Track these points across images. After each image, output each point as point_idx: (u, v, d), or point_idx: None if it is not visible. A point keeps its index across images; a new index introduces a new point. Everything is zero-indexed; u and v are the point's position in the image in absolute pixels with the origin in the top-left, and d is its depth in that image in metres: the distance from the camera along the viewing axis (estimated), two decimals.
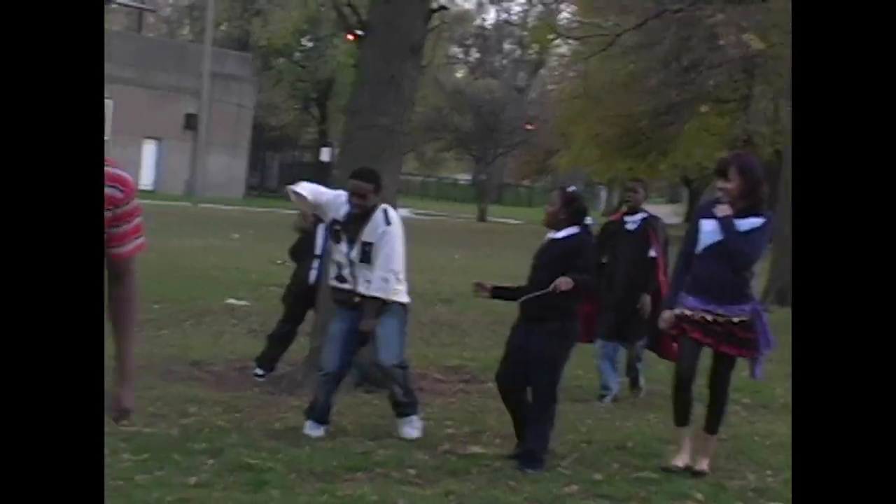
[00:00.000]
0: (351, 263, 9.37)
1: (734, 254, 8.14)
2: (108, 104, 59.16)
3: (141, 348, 12.74)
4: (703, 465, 8.44)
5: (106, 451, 8.31)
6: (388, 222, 9.30)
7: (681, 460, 8.47)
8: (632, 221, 11.85)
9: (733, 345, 8.24)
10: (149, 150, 61.98)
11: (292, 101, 71.57)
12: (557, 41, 56.07)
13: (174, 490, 7.62)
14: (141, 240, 4.96)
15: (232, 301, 18.20)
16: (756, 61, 37.22)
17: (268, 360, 11.87)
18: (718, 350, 8.30)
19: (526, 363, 8.61)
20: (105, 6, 69.35)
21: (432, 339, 15.36)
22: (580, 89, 44.05)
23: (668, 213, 75.79)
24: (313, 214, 9.99)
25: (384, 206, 9.44)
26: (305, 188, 9.61)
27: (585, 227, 8.73)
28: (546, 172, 66.62)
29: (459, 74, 75.88)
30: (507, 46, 79.01)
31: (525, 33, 74.83)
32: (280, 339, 12.04)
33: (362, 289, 9.31)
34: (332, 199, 9.56)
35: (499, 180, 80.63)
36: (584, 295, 8.82)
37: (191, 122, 59.98)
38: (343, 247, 9.40)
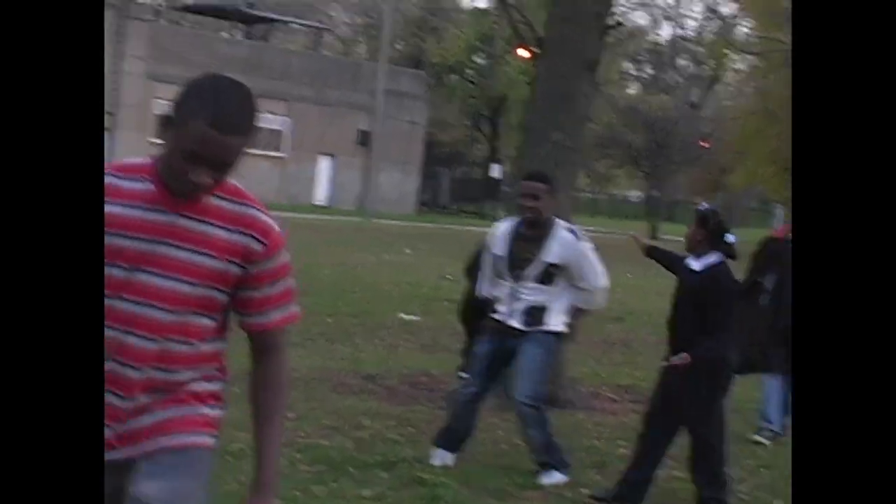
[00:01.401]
0: (514, 291, 8.64)
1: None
2: (287, 122, 60.19)
3: (314, 361, 12.99)
4: None
5: (284, 462, 8.45)
6: (577, 237, 8.71)
7: None
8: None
9: None
10: (323, 166, 62.69)
11: (463, 118, 71.82)
12: (734, 56, 55.38)
13: (349, 502, 7.70)
14: (292, 309, 3.94)
15: (404, 316, 18.29)
16: None
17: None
18: None
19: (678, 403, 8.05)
20: (284, 26, 70.50)
21: (604, 357, 15.28)
22: (758, 105, 43.58)
23: None
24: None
25: (563, 223, 8.81)
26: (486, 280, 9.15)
27: (725, 252, 8.07)
28: (720, 190, 65.92)
29: (632, 91, 75.40)
30: (681, 62, 78.33)
31: (700, 49, 74.31)
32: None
33: (515, 321, 8.60)
34: (495, 237, 8.96)
35: (671, 197, 79.88)
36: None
37: (364, 139, 60.57)
38: (507, 278, 8.71)
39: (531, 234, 8.61)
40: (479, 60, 69.68)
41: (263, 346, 3.87)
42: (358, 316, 17.92)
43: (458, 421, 8.87)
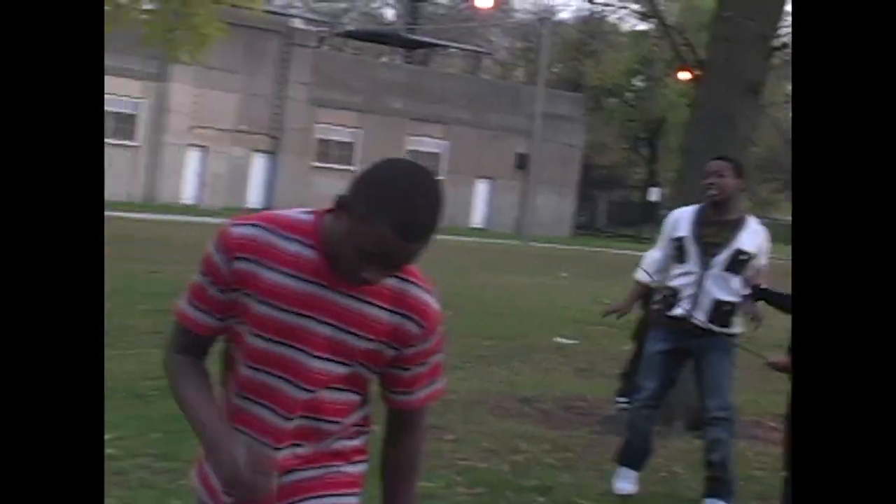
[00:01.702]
0: (701, 280, 8.09)
1: None
2: (445, 145, 60.45)
3: (472, 383, 13.00)
4: None
5: (441, 483, 8.50)
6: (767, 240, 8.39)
7: None
8: None
9: None
10: (481, 189, 62.91)
11: (621, 141, 71.66)
12: None
13: None
14: (438, 385, 3.69)
15: (559, 339, 18.24)
16: None
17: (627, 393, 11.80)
18: None
19: None
20: (444, 50, 70.88)
21: (765, 385, 15.08)
22: None
23: None
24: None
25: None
26: (647, 273, 9.03)
27: None
28: None
29: None
30: None
31: None
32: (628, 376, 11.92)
33: (700, 315, 8.08)
34: (667, 222, 8.56)
35: None
36: None
37: (521, 162, 60.64)
38: (692, 264, 8.14)
39: (719, 219, 8.17)
40: (637, 83, 69.48)
41: (403, 423, 3.65)
42: (514, 339, 17.91)
43: (635, 434, 8.56)
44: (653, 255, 8.89)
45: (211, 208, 50.95)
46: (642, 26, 63.28)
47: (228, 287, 3.36)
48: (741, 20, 11.53)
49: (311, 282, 3.34)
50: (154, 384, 11.23)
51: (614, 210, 71.08)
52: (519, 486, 8.68)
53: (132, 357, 12.77)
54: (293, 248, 3.34)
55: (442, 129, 60.50)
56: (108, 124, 50.46)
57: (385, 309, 3.40)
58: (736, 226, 8.12)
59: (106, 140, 40.55)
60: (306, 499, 3.53)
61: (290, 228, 3.37)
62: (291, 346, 3.38)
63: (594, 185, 70.59)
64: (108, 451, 8.49)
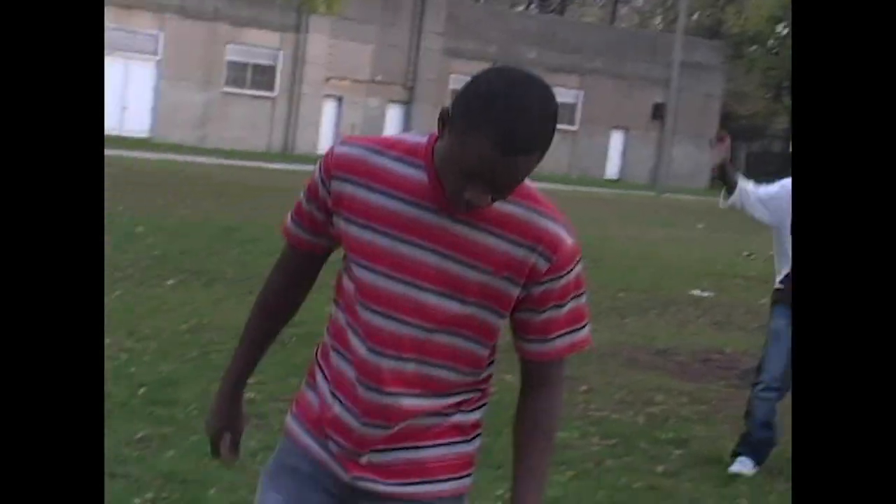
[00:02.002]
0: None
1: None
2: (580, 95, 60.20)
3: (606, 335, 12.99)
4: None
5: (575, 434, 8.51)
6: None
7: None
8: None
9: None
10: (616, 139, 62.64)
11: (763, 90, 70.73)
12: None
13: (642, 476, 7.69)
14: (581, 335, 3.17)
15: (696, 292, 18.15)
16: None
17: None
18: None
19: None
20: (580, 0, 70.55)
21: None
22: None
23: None
24: None
25: None
26: (748, 193, 8.25)
27: None
28: None
29: None
30: None
31: None
32: None
33: None
34: (777, 193, 8.17)
35: None
36: None
37: (658, 112, 60.22)
38: None
39: None
40: (781, 30, 68.43)
41: (538, 376, 3.17)
42: (649, 291, 17.87)
43: (761, 416, 8.09)
44: (753, 190, 8.32)
45: None
46: None
47: (325, 207, 3.09)
48: None
49: (419, 205, 2.97)
50: (294, 331, 11.37)
51: (755, 160, 70.12)
52: (654, 438, 8.69)
53: None
54: (401, 168, 3.01)
55: (577, 79, 60.26)
56: (247, 76, 50.96)
57: (507, 239, 2.97)
58: None
59: (245, 91, 41.00)
60: (425, 482, 3.16)
61: (400, 149, 3.05)
62: (397, 278, 3.01)
63: (734, 135, 69.24)
64: (249, 394, 8.61)
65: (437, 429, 3.12)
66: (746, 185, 8.19)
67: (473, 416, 3.20)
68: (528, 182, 2.94)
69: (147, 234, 18.20)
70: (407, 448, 3.11)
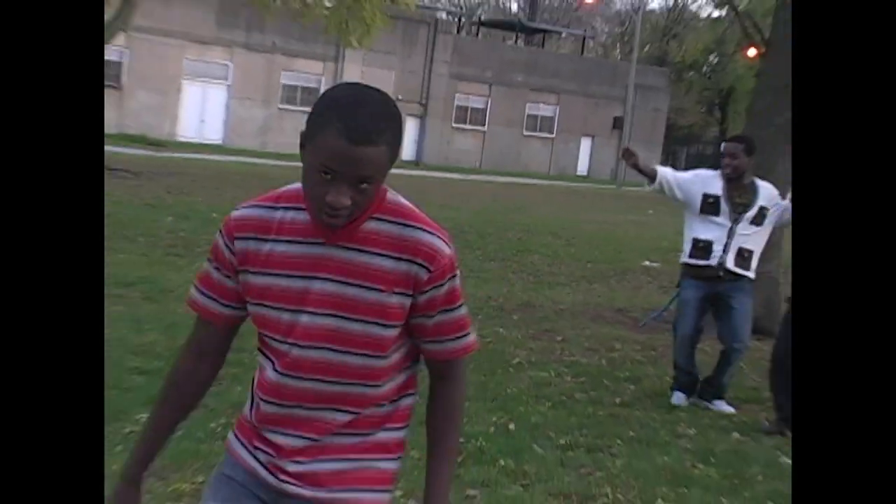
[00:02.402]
0: (731, 233, 7.62)
1: None
2: (556, 109, 60.05)
3: (577, 296, 12.99)
4: None
5: (553, 374, 8.51)
6: (782, 197, 7.92)
7: None
8: None
9: None
10: (585, 144, 62.45)
11: (698, 107, 70.64)
12: None
13: (604, 406, 7.71)
14: (467, 339, 2.88)
15: (647, 263, 18.14)
16: None
17: None
18: None
19: None
20: (556, 35, 70.41)
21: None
22: None
23: None
24: None
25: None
26: (667, 175, 7.99)
27: None
28: None
29: None
30: None
31: None
32: None
33: (729, 261, 7.66)
34: (694, 178, 7.97)
35: None
36: None
37: (617, 123, 60.00)
38: (722, 218, 7.65)
39: (737, 185, 7.73)
40: (712, 59, 68.35)
41: (439, 372, 2.88)
42: (610, 262, 17.90)
43: (683, 364, 8.04)
44: (670, 173, 8.09)
45: None
46: (717, 13, 62.34)
47: (232, 268, 2.75)
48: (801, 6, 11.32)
49: (307, 242, 2.67)
50: None
51: (692, 161, 70.10)
52: (614, 377, 8.73)
53: None
54: (290, 215, 2.70)
55: (555, 98, 60.14)
56: (296, 96, 50.96)
57: (389, 257, 2.65)
58: (754, 187, 7.75)
59: (296, 108, 40.59)
60: (348, 490, 2.78)
61: (286, 199, 2.75)
62: (289, 309, 2.69)
63: (676, 141, 69.79)
64: None
65: (362, 445, 2.78)
66: (666, 172, 8.03)
67: (397, 435, 2.84)
68: (403, 202, 2.68)
69: (219, 218, 18.14)
70: (330, 460, 2.77)
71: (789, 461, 6.66)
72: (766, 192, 7.77)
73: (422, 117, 55.56)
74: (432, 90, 55.54)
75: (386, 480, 2.81)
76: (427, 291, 2.63)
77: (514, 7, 77.27)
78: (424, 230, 2.62)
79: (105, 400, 6.71)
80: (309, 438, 2.76)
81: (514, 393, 7.76)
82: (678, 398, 8.01)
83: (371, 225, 2.61)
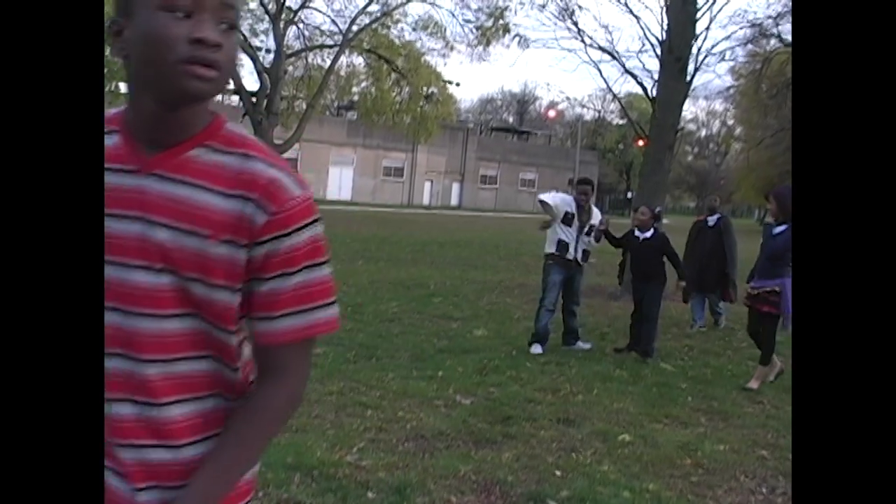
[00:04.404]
0: (578, 239, 6.88)
1: (768, 248, 5.91)
2: (536, 177, 59.15)
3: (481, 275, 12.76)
4: (754, 384, 6.03)
5: (468, 313, 8.28)
6: (601, 212, 7.19)
7: (756, 383, 6.12)
8: (712, 220, 8.71)
9: (767, 304, 5.89)
10: (551, 196, 61.86)
11: (615, 172, 70.05)
12: (734, 143, 52.08)
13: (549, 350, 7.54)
14: (315, 316, 1.09)
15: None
16: None
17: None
18: (761, 309, 5.95)
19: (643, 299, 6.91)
20: (535, 134, 70.13)
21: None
22: (745, 164, 41.58)
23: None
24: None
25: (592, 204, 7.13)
26: (549, 197, 7.16)
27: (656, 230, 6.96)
28: (730, 202, 62.42)
29: (689, 158, 71.82)
30: (711, 145, 74.27)
31: (719, 139, 70.50)
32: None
33: (578, 256, 6.90)
34: (560, 201, 7.05)
35: (711, 205, 76.18)
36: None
37: (570, 182, 58.99)
38: (573, 230, 6.88)
39: (585, 210, 6.97)
40: (620, 146, 67.77)
41: (265, 364, 1.14)
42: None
43: (542, 327, 6.94)
44: (553, 197, 7.21)
45: (435, 206, 51.26)
46: (621, 121, 61.91)
47: None
48: (662, 119, 11.29)
49: (116, 171, 1.12)
50: (414, 282, 11.33)
51: (612, 202, 69.45)
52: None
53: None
54: (107, 142, 1.15)
55: (535, 169, 59.71)
56: (391, 171, 51.06)
57: (217, 192, 1.09)
58: (590, 212, 6.98)
59: (391, 178, 40.37)
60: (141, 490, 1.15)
61: (106, 124, 1.16)
62: (110, 261, 1.11)
63: (602, 191, 69.06)
64: (394, 309, 8.62)
65: (140, 430, 1.16)
66: (547, 196, 7.22)
67: (181, 412, 1.20)
68: (245, 132, 1.16)
69: (350, 241, 18.09)
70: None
71: (670, 367, 6.57)
72: (594, 215, 7.03)
73: (461, 182, 55.43)
74: (467, 166, 55.39)
75: (241, 494, 1.23)
76: (265, 242, 1.09)
77: (511, 119, 76.99)
78: (269, 163, 1.11)
79: None
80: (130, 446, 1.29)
81: (515, 334, 7.53)
82: (536, 349, 6.88)
83: (199, 153, 1.11)
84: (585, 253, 7.03)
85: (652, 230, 6.94)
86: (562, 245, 6.98)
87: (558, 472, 3.84)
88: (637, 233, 6.99)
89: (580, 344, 7.16)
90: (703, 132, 73.87)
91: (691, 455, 4.25)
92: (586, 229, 6.94)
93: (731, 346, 7.82)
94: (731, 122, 64.28)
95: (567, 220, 6.95)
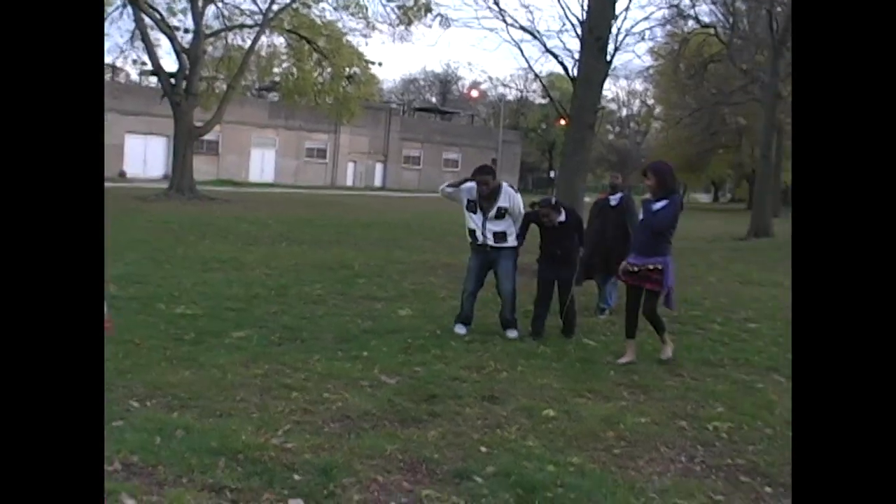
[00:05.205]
0: (484, 225, 6.64)
1: (649, 224, 5.80)
2: (460, 156, 59.35)
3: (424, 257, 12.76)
4: (667, 352, 6.06)
5: (461, 303, 8.31)
6: (516, 191, 6.76)
7: (626, 358, 6.02)
8: (614, 198, 8.16)
9: (650, 282, 5.84)
10: None
11: (538, 151, 70.89)
12: (654, 122, 53.57)
13: (493, 317, 7.37)
14: None
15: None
16: (743, 128, 36.77)
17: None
18: (642, 286, 5.91)
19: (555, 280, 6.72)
20: (458, 114, 70.25)
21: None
22: (664, 142, 42.99)
23: (705, 197, 71.90)
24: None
25: (504, 182, 6.79)
26: (450, 190, 6.89)
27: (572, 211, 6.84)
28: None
29: (610, 137, 73.40)
30: (631, 124, 76.10)
31: (639, 117, 72.21)
32: None
33: (490, 240, 6.67)
34: (463, 189, 6.79)
35: (628, 184, 78.05)
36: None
37: (494, 163, 59.16)
38: (478, 216, 6.66)
39: (487, 196, 6.64)
40: (543, 126, 68.62)
41: None
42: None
43: (466, 309, 6.87)
44: (455, 192, 6.88)
45: (358, 187, 50.89)
46: (544, 101, 62.59)
47: None
48: (583, 98, 11.44)
49: None
50: (338, 263, 11.25)
51: (535, 181, 70.36)
52: (499, 302, 7.92)
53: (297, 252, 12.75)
54: None
55: (458, 149, 59.84)
56: (313, 153, 50.28)
57: None
58: (496, 196, 6.63)
59: (314, 160, 40.04)
60: None
61: None
62: None
63: (526, 170, 69.95)
64: (318, 291, 8.56)
65: None
66: (446, 187, 6.97)
67: None
68: None
69: (273, 223, 17.86)
70: None
71: (593, 343, 6.62)
72: (504, 196, 6.64)
73: (384, 162, 55.15)
74: (390, 147, 55.11)
75: None
76: None
77: (434, 99, 76.89)
78: None
79: (213, 325, 6.59)
80: None
81: (440, 314, 7.47)
82: (459, 328, 6.78)
83: None
84: (499, 235, 6.68)
85: (564, 215, 6.73)
86: (470, 232, 6.84)
87: (484, 449, 3.88)
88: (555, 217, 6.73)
89: (508, 332, 6.79)
90: (624, 112, 75.51)
91: (614, 428, 4.32)
92: (493, 213, 6.63)
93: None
94: (650, 102, 66.08)
95: (471, 207, 6.75)
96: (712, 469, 3.86)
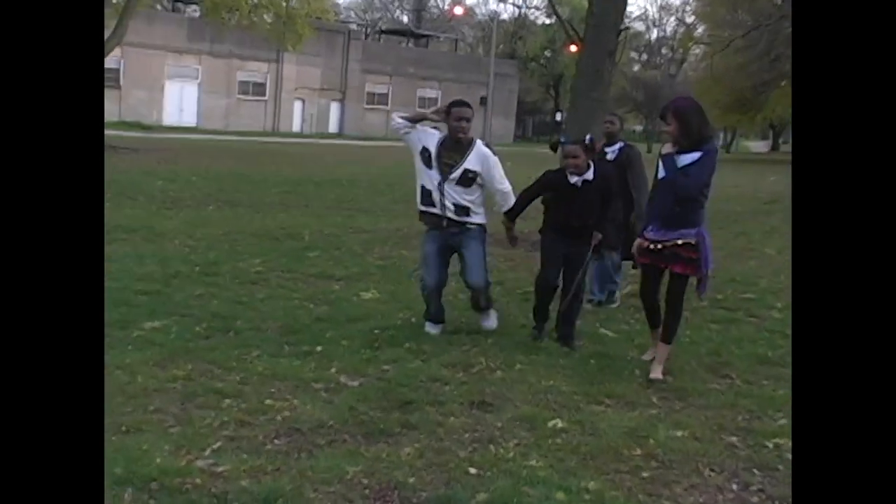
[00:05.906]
0: (441, 188, 6.09)
1: (675, 186, 5.32)
2: (439, 93, 59.55)
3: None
4: (657, 372, 5.49)
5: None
6: (494, 153, 6.27)
7: (649, 355, 5.84)
8: (611, 151, 7.57)
9: (680, 263, 5.43)
10: None
11: (539, 87, 70.87)
12: (695, 47, 53.63)
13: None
14: None
15: None
16: None
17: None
18: (668, 269, 5.54)
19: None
20: (437, 38, 69.85)
21: None
22: (708, 74, 42.95)
23: (762, 145, 72.37)
24: None
25: (479, 139, 6.26)
26: (400, 120, 6.28)
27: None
28: None
29: (636, 68, 73.34)
30: (664, 50, 76.09)
31: (674, 42, 72.26)
32: None
33: (450, 213, 6.12)
34: (420, 130, 6.24)
35: (658, 128, 78.36)
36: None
37: (483, 102, 59.96)
38: (434, 172, 6.10)
39: (453, 147, 6.14)
40: (547, 53, 68.56)
41: None
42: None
43: (433, 309, 6.46)
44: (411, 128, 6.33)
45: (308, 134, 50.77)
46: (548, 21, 62.40)
47: None
48: (602, 16, 11.40)
49: None
50: (284, 232, 11.26)
51: (537, 126, 70.45)
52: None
53: (264, 216, 12.76)
54: None
55: (437, 84, 59.75)
56: (248, 88, 50.06)
57: None
58: (467, 150, 6.14)
59: (249, 97, 39.92)
60: None
61: None
62: None
63: (525, 112, 70.01)
64: (258, 268, 8.60)
65: None
66: (398, 116, 6.36)
67: None
68: None
69: (198, 180, 17.84)
70: None
71: (611, 333, 6.64)
72: (476, 156, 6.18)
73: (342, 101, 54.94)
74: (349, 81, 54.90)
75: None
76: None
77: (406, 19, 76.43)
78: None
79: (117, 314, 6.56)
80: None
81: (414, 296, 7.34)
82: (431, 328, 6.44)
83: None
84: (461, 209, 6.15)
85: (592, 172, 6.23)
86: (423, 195, 6.20)
87: (473, 471, 3.89)
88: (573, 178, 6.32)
89: (484, 322, 6.63)
90: (655, 33, 75.59)
91: (641, 444, 4.29)
92: (457, 174, 6.09)
93: (688, 305, 8.01)
94: (690, 20, 66.13)
95: (425, 159, 6.16)
96: (774, 500, 3.78)
